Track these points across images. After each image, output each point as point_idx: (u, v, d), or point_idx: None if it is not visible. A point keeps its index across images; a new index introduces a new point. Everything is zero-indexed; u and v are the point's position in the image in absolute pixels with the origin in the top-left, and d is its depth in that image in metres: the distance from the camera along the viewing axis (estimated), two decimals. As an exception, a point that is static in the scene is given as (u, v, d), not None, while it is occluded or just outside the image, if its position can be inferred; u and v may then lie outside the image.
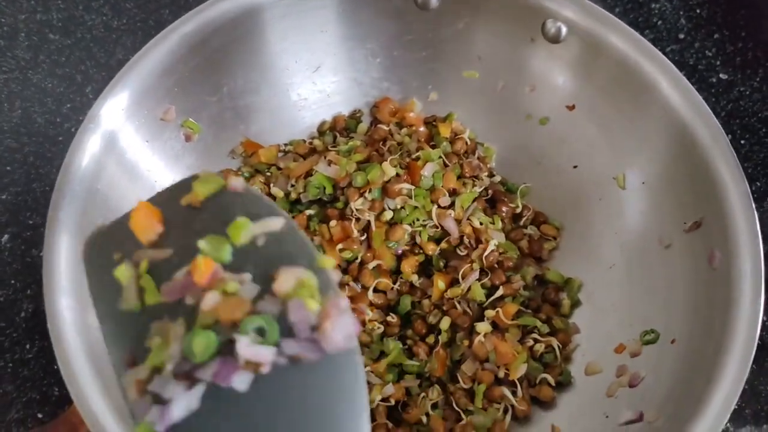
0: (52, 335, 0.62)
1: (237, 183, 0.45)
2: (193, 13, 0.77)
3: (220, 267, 0.40)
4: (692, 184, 0.71)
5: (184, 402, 0.37)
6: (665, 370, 0.68)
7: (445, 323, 0.76)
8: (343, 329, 0.38)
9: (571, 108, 0.82)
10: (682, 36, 1.02)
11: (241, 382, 0.37)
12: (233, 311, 0.38)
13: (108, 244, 0.45)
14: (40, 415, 0.79)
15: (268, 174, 0.85)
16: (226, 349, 0.37)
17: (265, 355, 0.37)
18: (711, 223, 0.69)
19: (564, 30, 0.77)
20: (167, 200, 0.45)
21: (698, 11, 1.04)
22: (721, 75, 0.99)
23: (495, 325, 0.76)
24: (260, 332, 0.38)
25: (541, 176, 0.86)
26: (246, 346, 0.37)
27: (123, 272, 0.41)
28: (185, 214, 0.44)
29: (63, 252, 0.65)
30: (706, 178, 0.70)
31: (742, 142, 0.94)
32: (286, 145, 0.88)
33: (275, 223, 0.42)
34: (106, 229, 0.48)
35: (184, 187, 0.45)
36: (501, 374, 0.74)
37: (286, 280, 0.39)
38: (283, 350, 0.38)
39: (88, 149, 0.70)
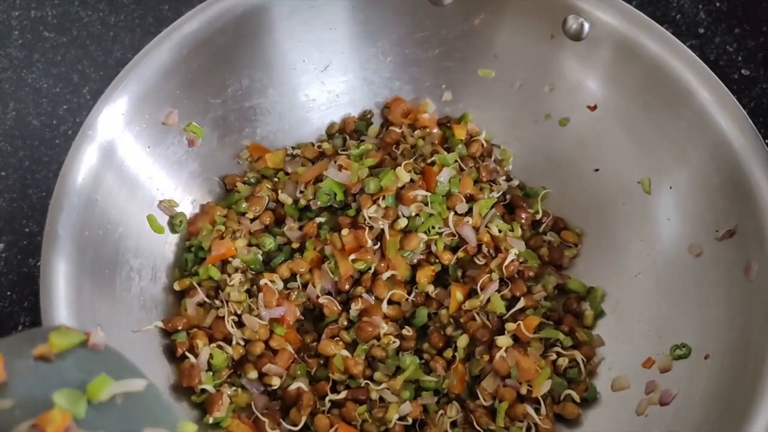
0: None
1: (98, 340, 0.44)
2: (196, 10, 0.74)
3: (73, 423, 0.39)
4: (725, 190, 0.69)
5: None
6: (699, 388, 0.65)
7: (462, 341, 0.73)
8: None
9: (593, 108, 0.79)
10: (701, 31, 0.99)
11: None
12: None
13: None
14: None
15: (276, 180, 0.82)
16: None
17: None
18: (746, 231, 0.67)
19: (587, 27, 0.74)
20: (16, 347, 0.42)
21: (718, 4, 1.01)
22: (742, 71, 0.96)
23: (515, 338, 0.73)
24: None
25: (560, 180, 0.83)
26: None
27: None
28: (34, 365, 0.42)
29: (61, 270, 0.62)
30: (740, 184, 0.67)
31: (766, 141, 0.91)
32: (293, 148, 0.85)
33: (137, 384, 0.42)
34: None
35: (38, 336, 0.43)
36: (524, 391, 0.71)
37: None
38: None
39: (85, 159, 0.67)
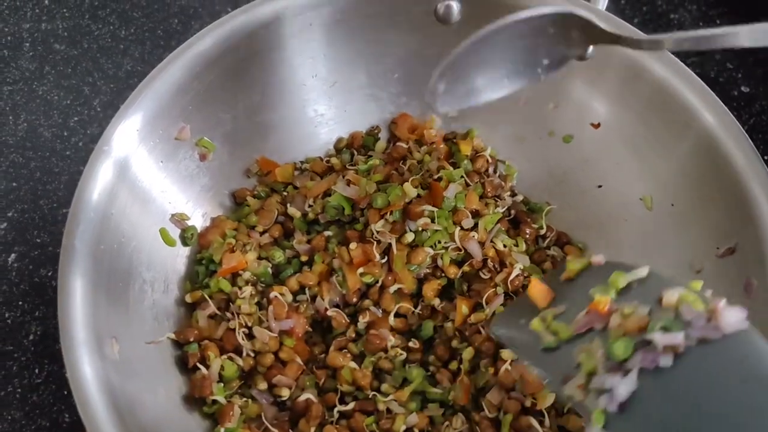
0: (68, 370, 0.60)
1: (598, 259, 0.60)
2: (208, 29, 0.75)
3: (612, 302, 0.53)
4: (726, 209, 0.70)
5: (625, 385, 0.48)
6: (700, 402, 0.66)
7: (467, 354, 0.74)
8: (734, 314, 0.48)
9: (597, 126, 0.80)
10: (702, 47, 1.00)
11: (666, 361, 0.47)
12: (636, 323, 0.50)
13: (509, 317, 0.64)
14: (50, 443, 0.77)
15: (285, 193, 0.83)
16: (640, 348, 0.49)
17: (677, 339, 0.47)
18: (746, 249, 0.67)
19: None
20: (551, 278, 0.63)
21: (718, 22, 1.02)
22: (742, 88, 0.97)
23: (520, 351, 0.74)
24: (664, 330, 0.48)
25: (563, 195, 0.84)
26: (661, 337, 0.48)
27: (537, 324, 0.57)
28: (565, 284, 0.61)
29: (78, 283, 0.63)
30: (740, 203, 0.68)
31: (766, 158, 0.92)
32: (302, 162, 0.86)
33: (642, 272, 0.54)
34: (507, 311, 0.72)
35: (559, 270, 0.63)
36: (528, 403, 0.71)
37: (671, 295, 0.50)
38: (690, 335, 0.48)
39: (101, 175, 0.68)
